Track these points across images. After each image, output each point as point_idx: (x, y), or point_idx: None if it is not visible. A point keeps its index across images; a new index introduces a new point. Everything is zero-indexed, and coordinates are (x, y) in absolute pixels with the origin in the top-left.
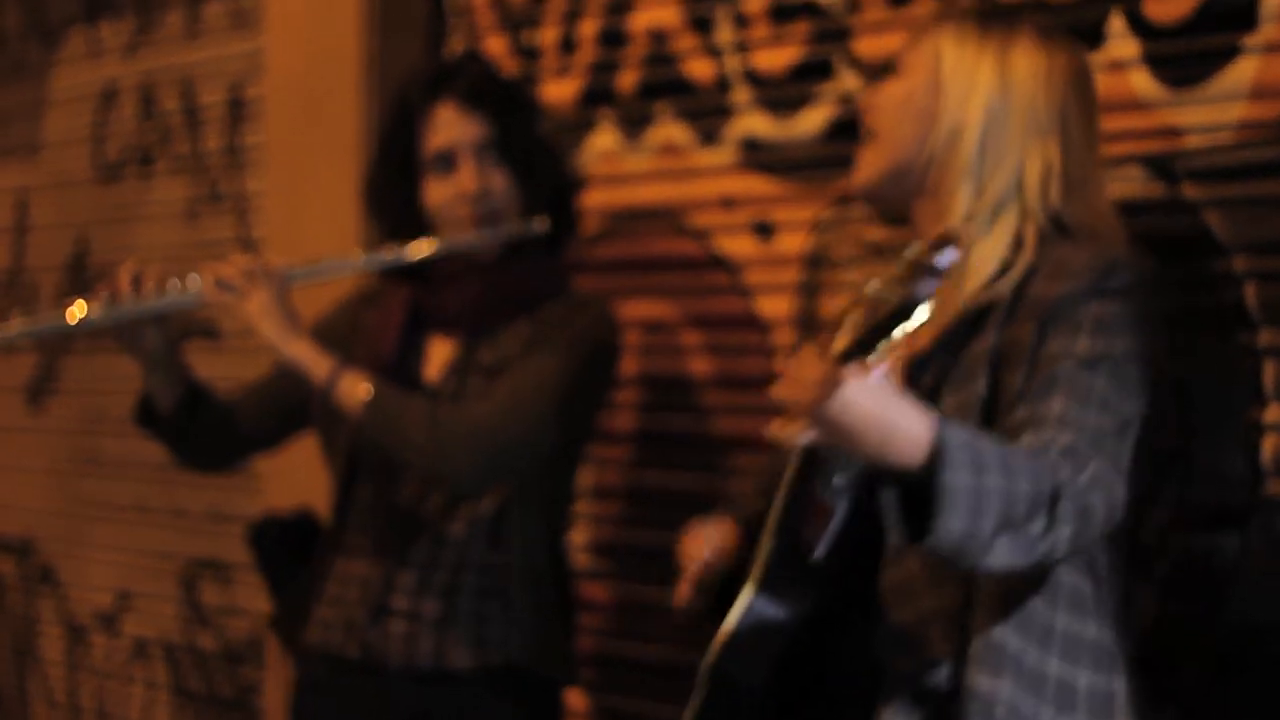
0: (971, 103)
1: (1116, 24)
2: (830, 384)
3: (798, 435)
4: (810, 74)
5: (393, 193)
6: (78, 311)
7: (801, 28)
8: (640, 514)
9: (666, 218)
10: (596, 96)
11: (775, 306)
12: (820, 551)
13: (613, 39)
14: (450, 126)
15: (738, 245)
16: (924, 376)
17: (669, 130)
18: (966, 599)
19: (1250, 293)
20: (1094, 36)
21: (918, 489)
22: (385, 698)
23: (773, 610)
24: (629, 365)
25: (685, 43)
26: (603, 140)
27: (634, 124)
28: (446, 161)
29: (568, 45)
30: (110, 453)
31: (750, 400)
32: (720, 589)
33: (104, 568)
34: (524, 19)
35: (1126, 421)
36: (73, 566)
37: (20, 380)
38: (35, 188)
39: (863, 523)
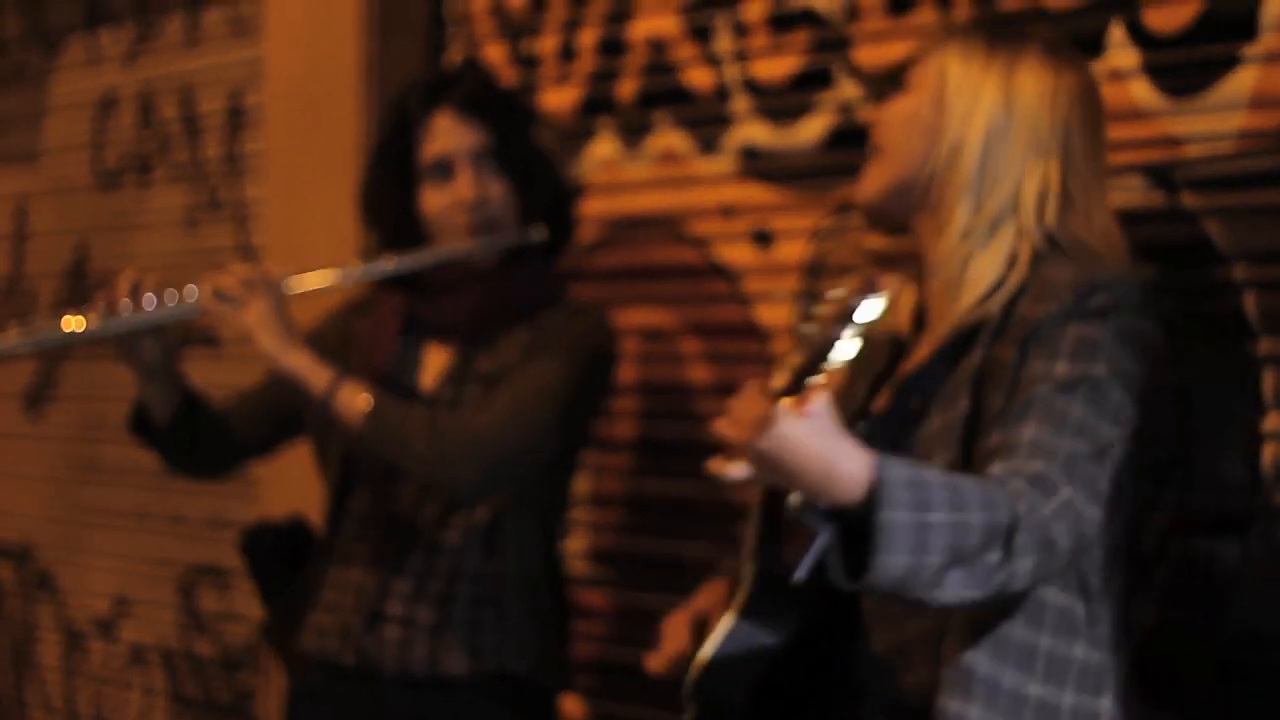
0: (974, 120)
1: (1116, 33)
2: (765, 422)
3: (734, 472)
4: (810, 83)
5: (389, 201)
6: (75, 322)
7: (801, 37)
8: (639, 521)
9: (666, 226)
10: (596, 105)
11: (774, 315)
12: (801, 574)
13: (612, 47)
14: (448, 134)
15: (737, 253)
16: (914, 396)
17: (668, 139)
18: (943, 627)
19: (1250, 301)
20: (1094, 46)
21: (858, 527)
22: (380, 704)
23: (754, 633)
24: (628, 373)
25: (685, 51)
26: (602, 149)
27: (633, 132)
28: (444, 169)
29: (567, 53)
30: (109, 459)
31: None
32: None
33: (102, 574)
34: (523, 27)
35: (1105, 445)
36: (71, 573)
37: (19, 387)
38: (35, 194)
39: None
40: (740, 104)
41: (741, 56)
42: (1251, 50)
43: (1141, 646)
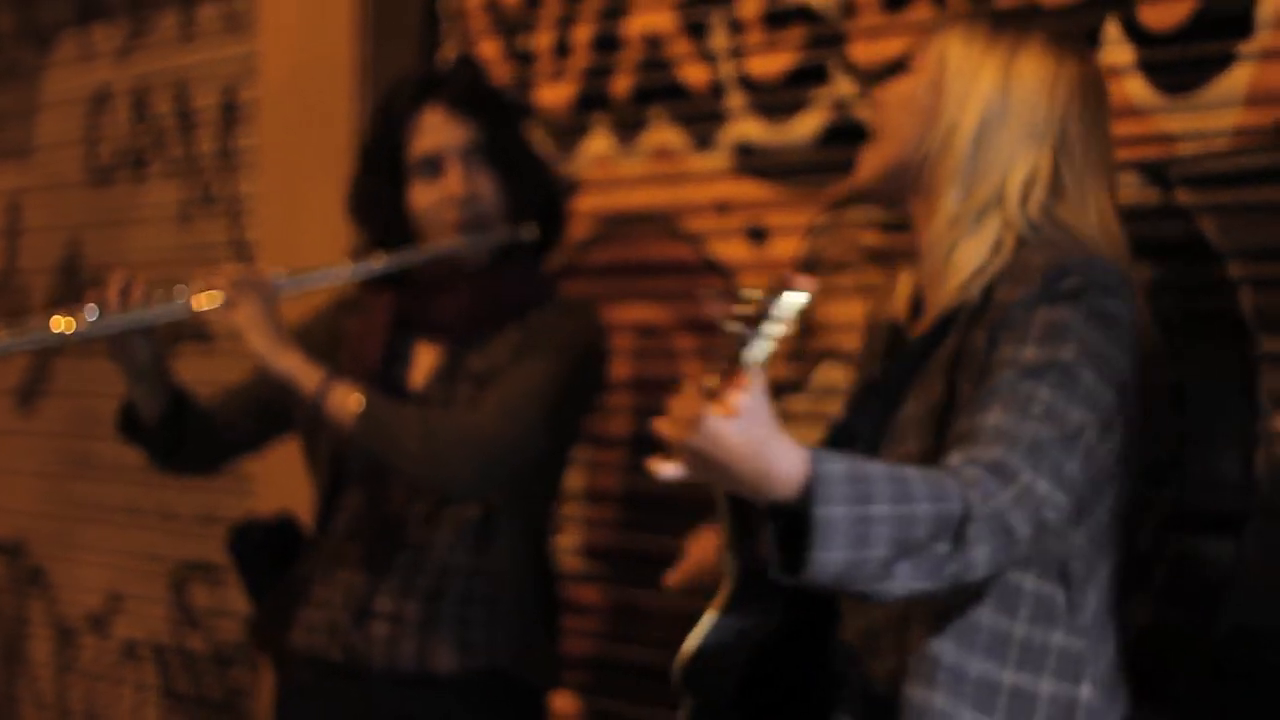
0: (969, 105)
1: (1112, 30)
2: (695, 422)
3: (668, 471)
4: (805, 79)
5: (378, 198)
6: (64, 323)
7: (796, 33)
8: (633, 518)
9: (660, 222)
10: (591, 101)
11: None
12: (773, 571)
13: (607, 44)
14: (437, 130)
15: (731, 250)
16: (891, 382)
17: (663, 135)
18: (908, 614)
19: (1245, 299)
20: (1089, 42)
21: (798, 523)
22: (368, 701)
23: (739, 624)
24: (622, 369)
25: (680, 48)
26: (597, 145)
27: (628, 129)
28: (433, 166)
29: (562, 50)
30: (101, 455)
31: None
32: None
33: (94, 570)
34: (518, 23)
35: (1075, 430)
36: (63, 568)
37: (11, 382)
38: (28, 190)
39: None
40: (735, 100)
41: (737, 53)
42: (1247, 47)
43: (1137, 645)
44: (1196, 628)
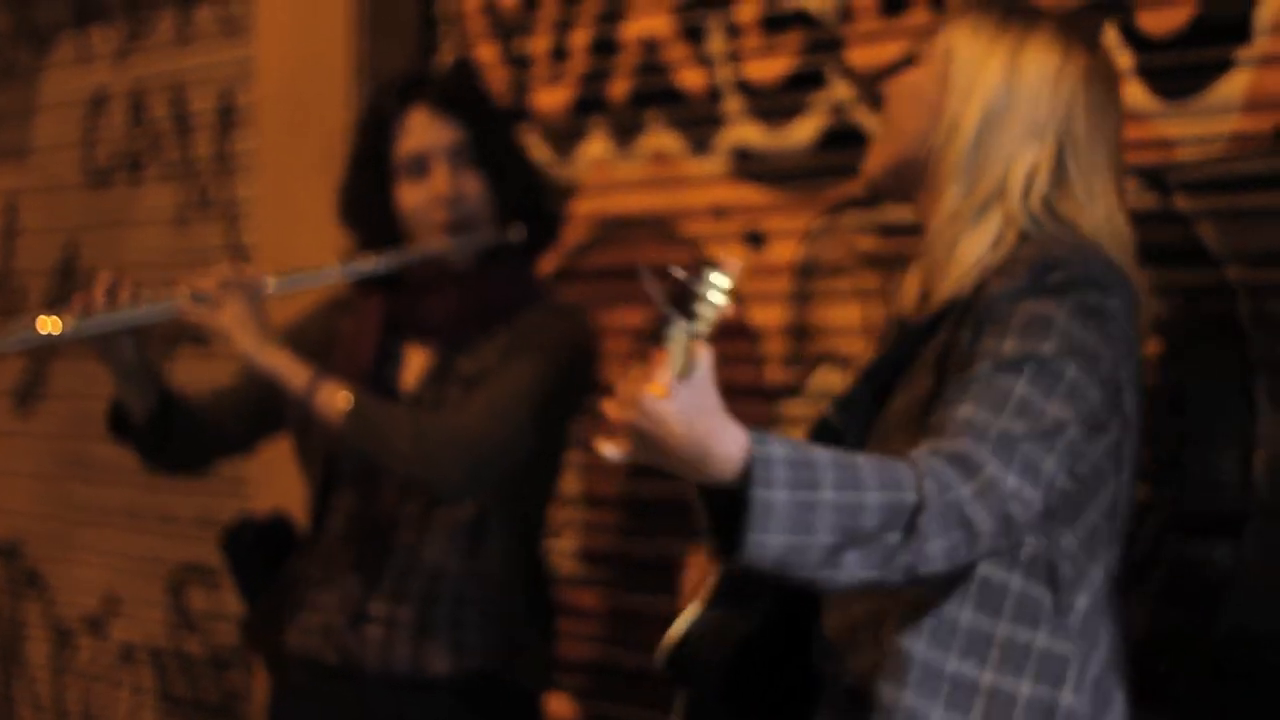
0: (973, 99)
1: (1110, 36)
2: (638, 402)
3: (610, 451)
4: (802, 84)
5: (366, 200)
6: (51, 323)
7: (793, 38)
8: (630, 522)
9: (657, 226)
10: (588, 105)
11: (766, 315)
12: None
13: (604, 48)
14: (423, 131)
15: (728, 254)
16: (882, 376)
17: (660, 139)
18: (885, 611)
19: (1243, 304)
20: None
21: (738, 505)
22: (363, 704)
23: (722, 616)
24: (619, 373)
25: (677, 52)
26: (594, 149)
27: (625, 133)
28: (419, 166)
29: (559, 54)
30: (98, 457)
31: (740, 409)
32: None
33: (91, 572)
34: (515, 27)
35: (1053, 426)
36: (60, 571)
37: (9, 384)
38: (25, 191)
39: None
40: (732, 105)
41: (734, 57)
42: (1245, 53)
43: (1136, 647)
44: (1196, 629)
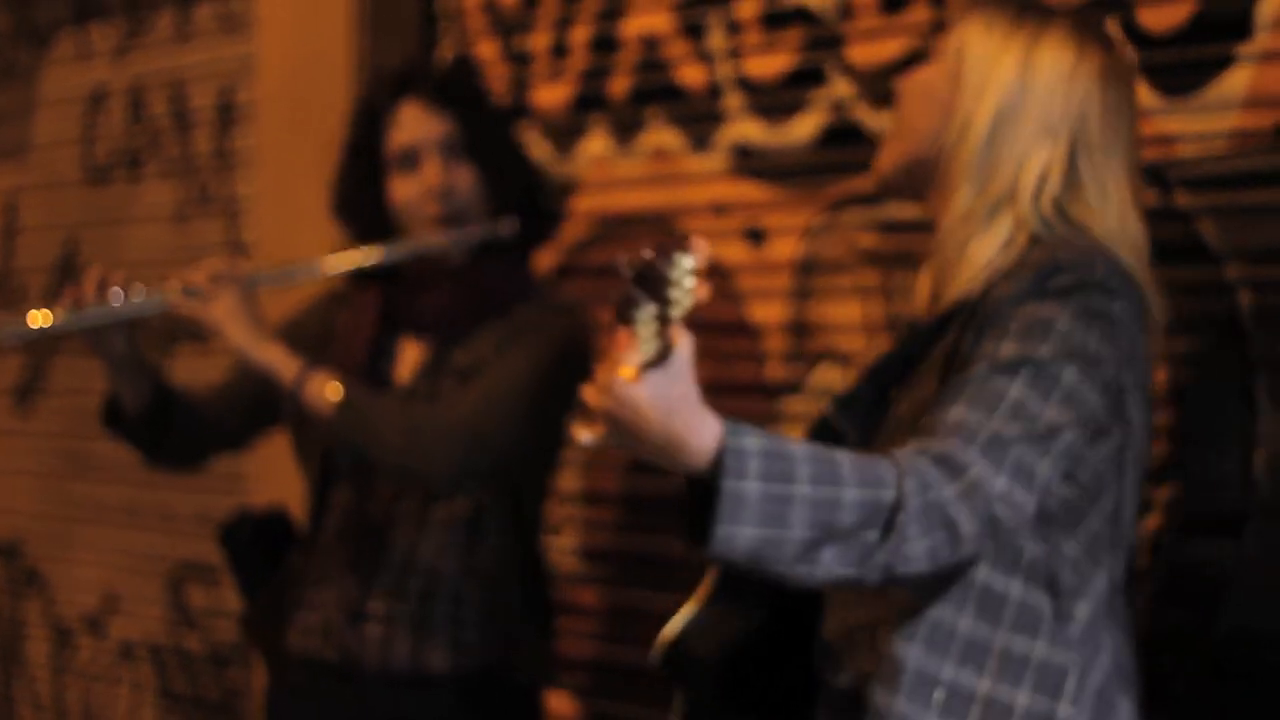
0: (985, 98)
1: (1112, 32)
2: (610, 387)
3: (585, 437)
4: (802, 80)
5: (359, 194)
6: (41, 317)
7: (794, 34)
8: (631, 519)
9: (658, 223)
10: (588, 102)
11: (766, 312)
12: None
13: (605, 44)
14: (414, 124)
15: (729, 251)
16: (885, 378)
17: (661, 136)
18: (883, 614)
19: (1243, 301)
20: None
21: (711, 496)
22: (363, 702)
23: (718, 615)
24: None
25: (677, 49)
26: (594, 146)
27: (626, 129)
28: (410, 159)
29: (559, 50)
30: (98, 455)
31: (741, 406)
32: None
33: (91, 570)
34: (516, 24)
35: (1048, 430)
36: (60, 569)
37: (8, 382)
38: (25, 189)
39: None
40: (733, 101)
41: (734, 54)
42: (1246, 50)
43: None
44: (1196, 629)
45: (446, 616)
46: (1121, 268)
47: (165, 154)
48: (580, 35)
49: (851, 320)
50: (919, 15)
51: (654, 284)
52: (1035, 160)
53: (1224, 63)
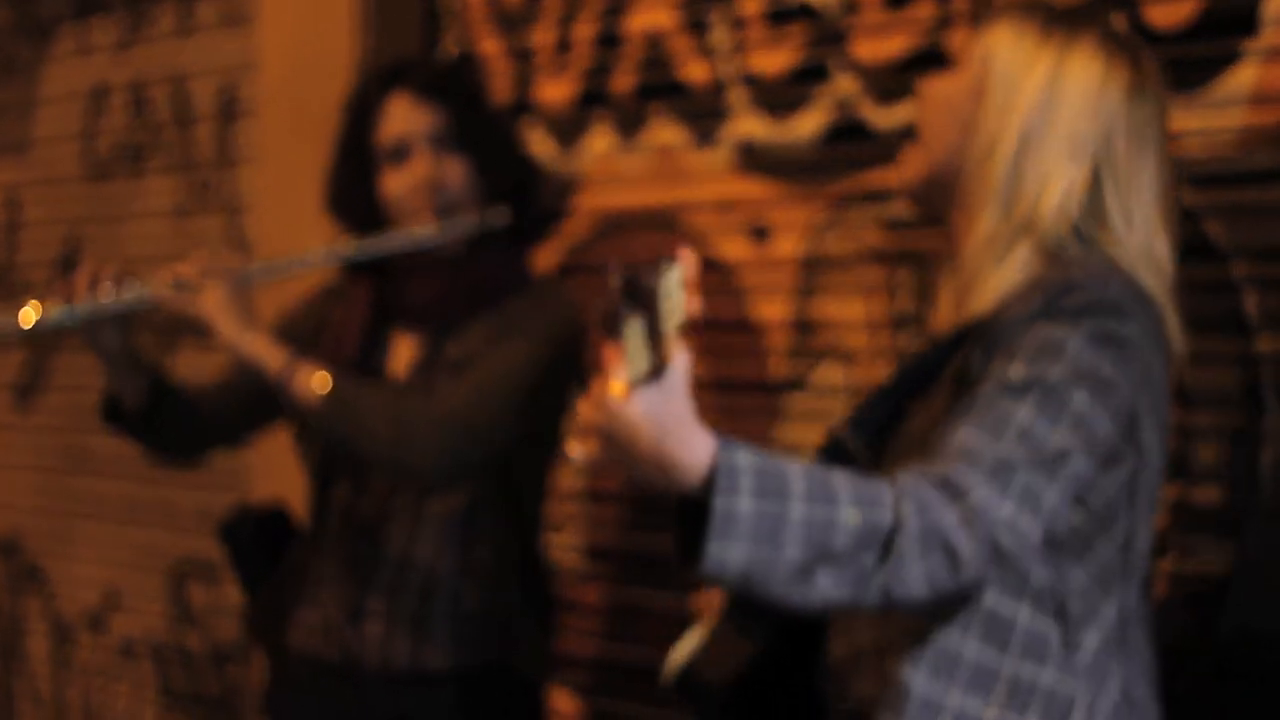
0: (1011, 117)
1: (1118, 28)
2: (602, 403)
3: (578, 453)
4: (807, 77)
5: (352, 188)
6: (32, 313)
7: (798, 30)
8: (633, 517)
9: (662, 220)
10: (592, 98)
11: (771, 309)
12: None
13: (609, 41)
14: (404, 117)
15: (733, 248)
16: (897, 395)
17: (665, 132)
18: (889, 639)
19: (1250, 299)
20: None
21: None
22: (364, 701)
23: (727, 638)
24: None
25: (681, 45)
26: (598, 142)
27: (629, 126)
28: (401, 153)
29: (563, 47)
30: (99, 451)
31: (745, 403)
32: None
33: (92, 567)
34: (519, 20)
35: (1055, 454)
36: (60, 565)
37: (9, 377)
38: (26, 184)
39: None
40: (737, 98)
41: (738, 50)
42: (1253, 46)
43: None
44: (1198, 628)
45: (445, 614)
46: (1138, 289)
47: (167, 150)
48: (584, 31)
49: (855, 317)
50: (923, 11)
51: (641, 296)
52: (1058, 183)
53: (1231, 59)
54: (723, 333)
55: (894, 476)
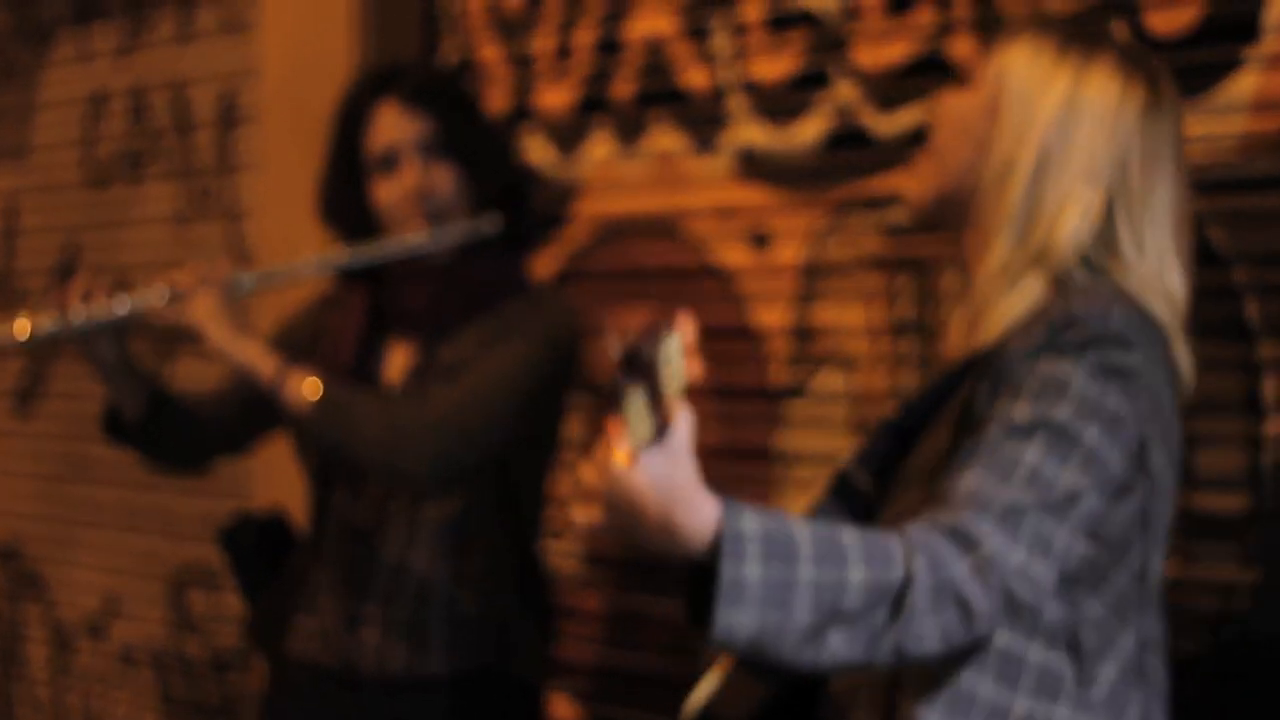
0: (1028, 137)
1: (1119, 35)
2: (606, 471)
3: (582, 519)
4: (807, 83)
5: (343, 197)
6: (26, 326)
7: (799, 37)
8: None
9: (662, 227)
10: (592, 104)
11: (770, 316)
12: None
13: (609, 47)
14: (392, 125)
15: (733, 254)
16: (907, 424)
17: (665, 139)
18: (895, 674)
19: (1251, 305)
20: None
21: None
22: (362, 707)
23: (744, 682)
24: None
25: (682, 51)
26: (598, 148)
27: (630, 132)
28: (390, 161)
29: (563, 53)
30: (98, 458)
31: (744, 410)
32: None
33: (91, 574)
34: (519, 26)
35: (1066, 496)
36: (60, 572)
37: (9, 385)
38: (25, 190)
39: None
40: (737, 104)
41: (739, 56)
42: (1254, 53)
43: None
44: (1202, 632)
45: (441, 620)
46: (1142, 316)
47: (167, 156)
48: (584, 38)
49: (855, 324)
50: (924, 18)
51: (641, 367)
52: (1075, 207)
53: (1232, 66)
54: (723, 339)
55: (904, 529)
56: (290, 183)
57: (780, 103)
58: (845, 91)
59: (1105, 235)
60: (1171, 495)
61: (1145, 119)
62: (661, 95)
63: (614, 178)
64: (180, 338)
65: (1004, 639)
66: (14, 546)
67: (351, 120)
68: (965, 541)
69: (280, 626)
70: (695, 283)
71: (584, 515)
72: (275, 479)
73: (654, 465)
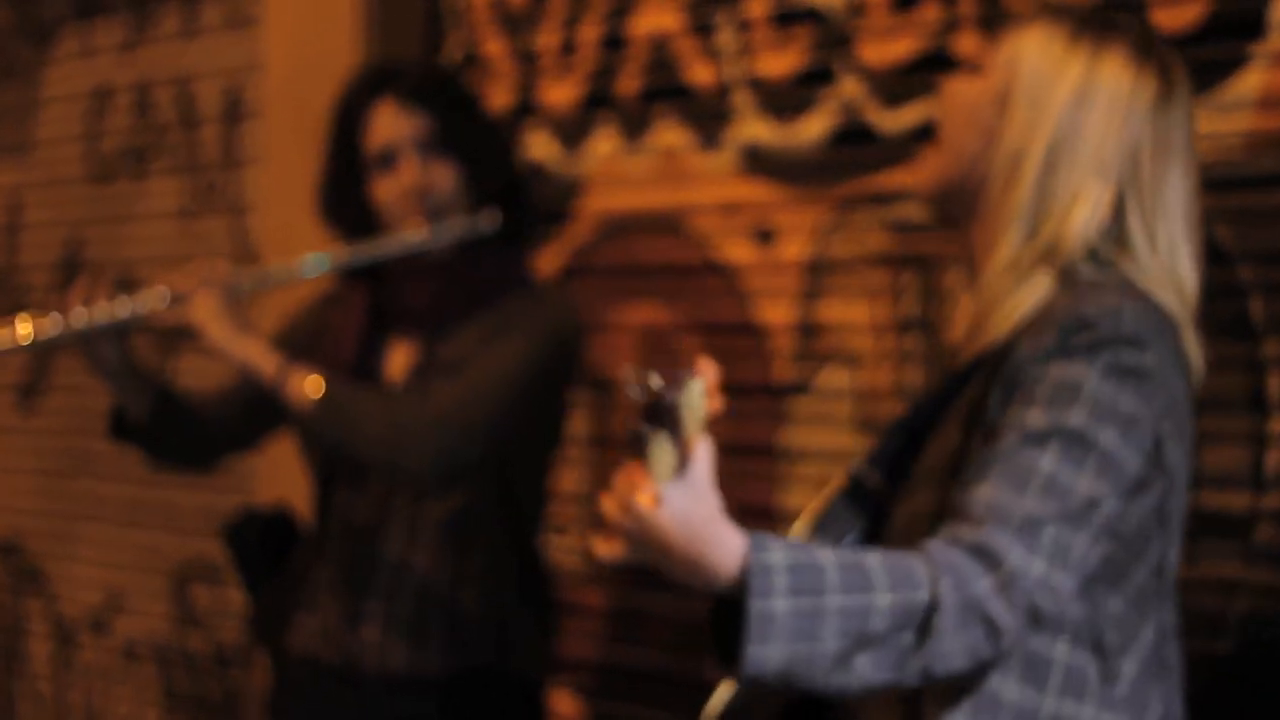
0: (1038, 129)
1: (1130, 23)
2: (631, 510)
3: (605, 553)
4: (812, 79)
5: (344, 195)
6: (29, 329)
7: (804, 33)
8: None
9: (666, 223)
10: (597, 101)
11: (775, 312)
12: None
13: (613, 43)
14: (390, 124)
15: (738, 251)
16: (916, 425)
17: (669, 135)
18: None
19: (1256, 303)
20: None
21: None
22: (364, 704)
23: (760, 692)
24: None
25: (686, 47)
26: (603, 144)
27: (634, 128)
28: (388, 159)
29: (568, 49)
30: (101, 454)
31: (749, 406)
32: None
33: (94, 569)
34: (524, 22)
35: (1085, 503)
36: (62, 567)
37: (12, 380)
38: (28, 186)
39: None
40: (742, 100)
41: (744, 53)
42: (1260, 50)
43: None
44: (1204, 630)
45: (442, 617)
46: (1153, 313)
47: (171, 151)
48: (589, 33)
49: (860, 321)
50: (930, 14)
51: (665, 415)
52: (1085, 201)
53: (1238, 63)
54: (727, 336)
55: (927, 548)
56: (294, 178)
57: (785, 99)
58: (850, 88)
59: (1115, 228)
60: (1185, 486)
61: (1157, 108)
62: (666, 91)
63: (619, 173)
64: (182, 335)
65: (1029, 641)
66: (16, 541)
67: (349, 119)
68: (987, 558)
69: (281, 623)
70: (700, 279)
71: (606, 549)
72: (279, 474)
73: (677, 501)
